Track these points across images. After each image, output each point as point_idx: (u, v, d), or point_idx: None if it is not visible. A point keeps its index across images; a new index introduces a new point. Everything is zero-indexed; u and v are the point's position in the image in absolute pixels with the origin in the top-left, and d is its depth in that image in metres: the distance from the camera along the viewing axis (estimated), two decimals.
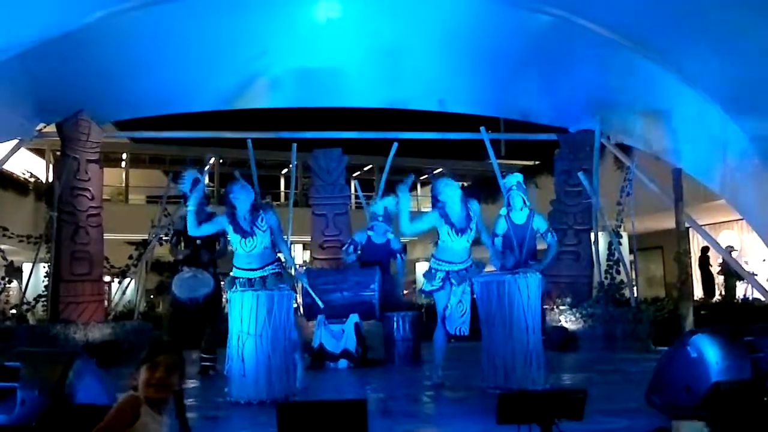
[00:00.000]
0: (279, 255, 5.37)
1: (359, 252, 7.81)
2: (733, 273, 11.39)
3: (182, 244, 6.87)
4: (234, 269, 5.42)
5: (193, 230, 5.24)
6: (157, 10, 6.74)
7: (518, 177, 5.79)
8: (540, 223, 5.79)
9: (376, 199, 8.02)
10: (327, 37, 7.97)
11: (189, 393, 5.89)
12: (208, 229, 5.33)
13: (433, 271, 5.45)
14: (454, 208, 5.36)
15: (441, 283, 5.38)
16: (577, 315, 8.57)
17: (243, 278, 5.31)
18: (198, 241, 6.65)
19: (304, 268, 7.85)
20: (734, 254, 10.45)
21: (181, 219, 7.01)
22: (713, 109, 6.74)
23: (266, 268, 5.32)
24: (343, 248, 8.03)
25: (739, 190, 7.17)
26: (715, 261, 14.21)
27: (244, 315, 4.79)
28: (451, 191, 5.37)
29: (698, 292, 12.84)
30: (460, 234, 5.33)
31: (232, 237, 5.22)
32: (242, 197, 5.16)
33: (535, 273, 5.07)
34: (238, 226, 5.18)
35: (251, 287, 5.14)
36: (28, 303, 8.68)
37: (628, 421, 3.54)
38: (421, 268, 20.79)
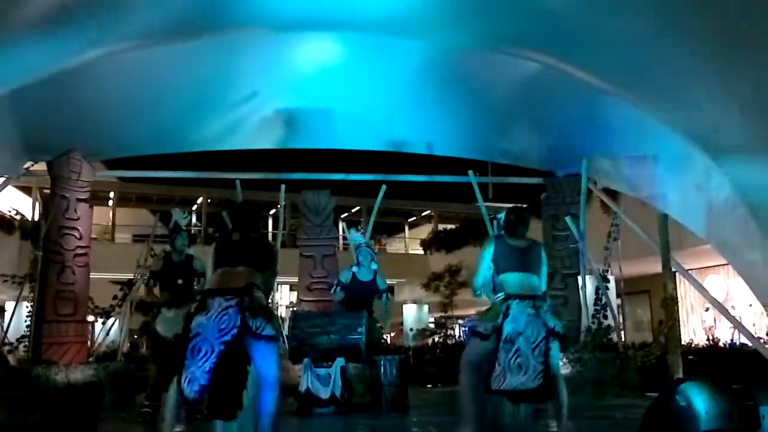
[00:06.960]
0: None
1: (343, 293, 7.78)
2: None
3: (158, 285, 6.75)
4: None
5: None
6: (149, 52, 6.78)
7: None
8: None
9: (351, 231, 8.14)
10: (317, 79, 8.07)
11: None
12: None
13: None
14: None
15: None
16: (565, 360, 8.51)
17: None
18: (179, 281, 6.59)
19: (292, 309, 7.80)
20: (720, 299, 10.22)
21: (158, 260, 6.94)
22: (698, 156, 6.82)
23: None
24: (331, 291, 8.01)
25: (724, 236, 7.21)
26: (701, 305, 14.29)
27: None
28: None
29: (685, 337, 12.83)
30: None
31: None
32: None
33: None
34: None
35: None
36: (10, 344, 8.52)
37: None
38: (409, 310, 20.59)
